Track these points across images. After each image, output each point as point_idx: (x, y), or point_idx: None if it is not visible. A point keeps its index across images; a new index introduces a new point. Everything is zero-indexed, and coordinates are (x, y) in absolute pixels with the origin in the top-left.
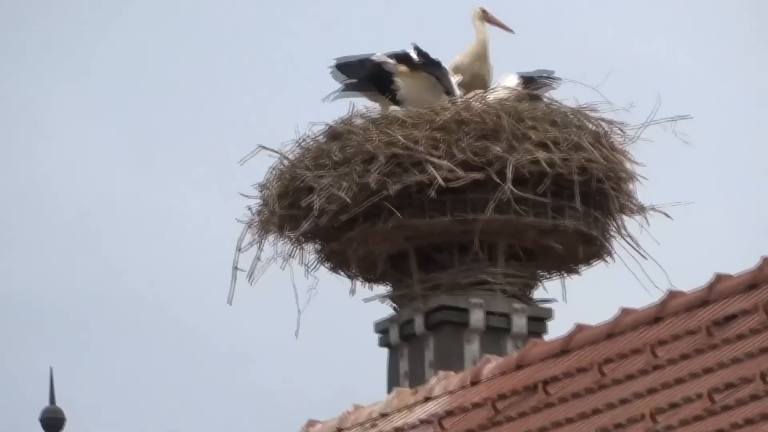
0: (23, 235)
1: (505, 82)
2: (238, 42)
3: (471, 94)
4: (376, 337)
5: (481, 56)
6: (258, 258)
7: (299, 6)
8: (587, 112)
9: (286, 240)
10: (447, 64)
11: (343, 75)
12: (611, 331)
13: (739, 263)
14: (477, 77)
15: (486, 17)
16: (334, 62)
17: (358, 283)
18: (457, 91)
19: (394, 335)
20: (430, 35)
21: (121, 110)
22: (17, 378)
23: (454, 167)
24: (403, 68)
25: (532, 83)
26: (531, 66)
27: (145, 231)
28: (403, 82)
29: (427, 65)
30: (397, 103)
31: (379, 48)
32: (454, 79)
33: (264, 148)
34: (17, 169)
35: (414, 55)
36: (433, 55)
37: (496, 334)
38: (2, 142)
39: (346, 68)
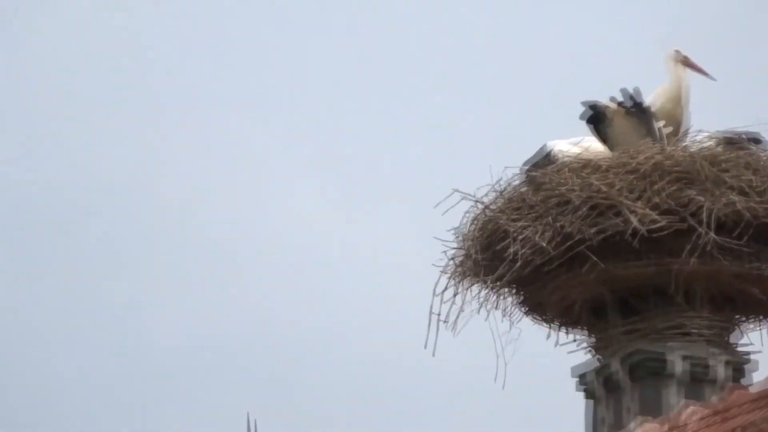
0: (223, 278)
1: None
2: (432, 87)
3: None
4: (573, 382)
5: (674, 98)
6: (454, 303)
7: (497, 49)
8: None
9: (483, 286)
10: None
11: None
12: None
13: None
14: (671, 119)
15: (680, 59)
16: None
17: (557, 328)
18: (658, 135)
19: (592, 381)
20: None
21: (328, 160)
22: (215, 424)
23: (652, 213)
24: (615, 108)
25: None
26: (734, 116)
27: (342, 276)
28: (615, 122)
29: (636, 109)
30: (607, 143)
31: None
32: (658, 124)
33: (459, 191)
34: (217, 211)
35: (628, 98)
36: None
37: (695, 381)
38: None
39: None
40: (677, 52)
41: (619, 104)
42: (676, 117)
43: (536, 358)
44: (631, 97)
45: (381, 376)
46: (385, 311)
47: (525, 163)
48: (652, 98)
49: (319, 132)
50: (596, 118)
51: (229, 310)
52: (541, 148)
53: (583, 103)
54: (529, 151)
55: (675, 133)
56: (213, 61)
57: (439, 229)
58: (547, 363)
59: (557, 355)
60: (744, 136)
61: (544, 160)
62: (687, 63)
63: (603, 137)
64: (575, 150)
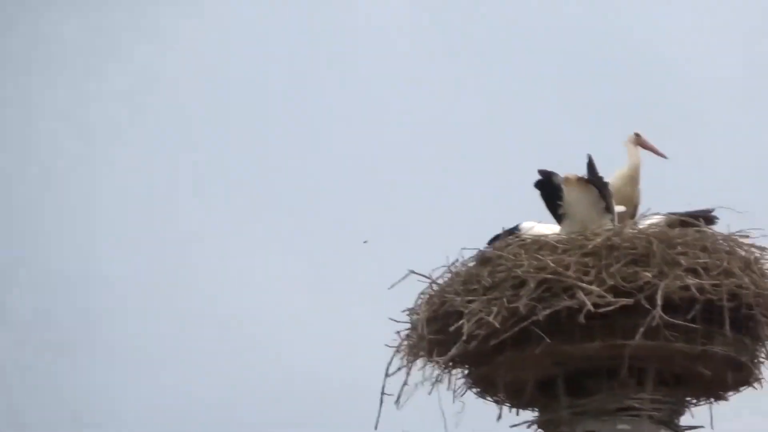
0: (198, 354)
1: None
2: (392, 172)
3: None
4: None
5: (633, 179)
6: (406, 382)
7: (457, 130)
8: (738, 237)
9: (434, 365)
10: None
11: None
12: None
13: None
14: (627, 200)
15: (639, 142)
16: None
17: (506, 408)
18: (615, 213)
19: None
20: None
21: (295, 242)
22: None
23: (603, 293)
24: (571, 177)
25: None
26: (687, 197)
27: (295, 352)
28: (569, 193)
29: (593, 178)
30: (559, 219)
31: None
32: (618, 208)
33: (414, 272)
34: (187, 289)
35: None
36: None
37: None
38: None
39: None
40: (637, 135)
41: (582, 179)
42: (632, 199)
43: None
44: (591, 167)
45: None
46: (342, 391)
47: (491, 240)
48: (610, 180)
49: (281, 213)
50: (546, 185)
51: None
52: (514, 228)
53: (539, 171)
54: (487, 234)
55: (631, 214)
56: (173, 131)
57: (395, 310)
58: None
59: None
60: (699, 216)
61: (506, 235)
62: (643, 144)
63: (554, 207)
64: (539, 229)
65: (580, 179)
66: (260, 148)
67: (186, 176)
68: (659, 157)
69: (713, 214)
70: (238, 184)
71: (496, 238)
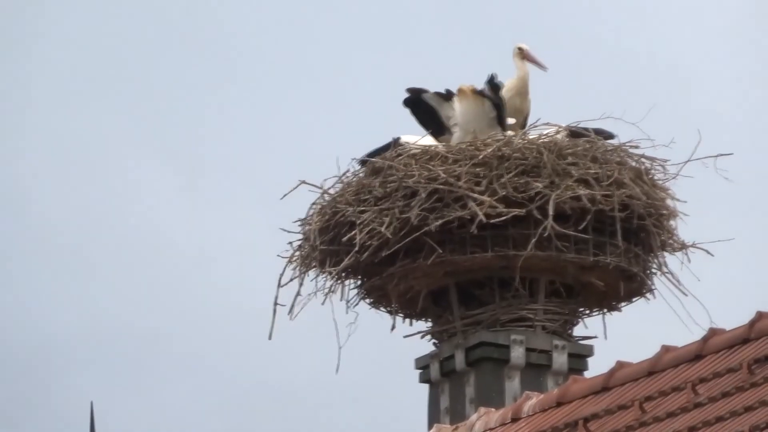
0: (67, 268)
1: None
2: (282, 77)
3: (512, 132)
4: (416, 373)
5: (521, 92)
6: (299, 293)
7: (345, 38)
8: (629, 148)
9: (326, 275)
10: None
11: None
12: (652, 369)
13: None
14: (517, 112)
15: (523, 55)
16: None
17: (399, 318)
18: (507, 126)
19: (434, 371)
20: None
21: (168, 142)
22: (59, 412)
23: (495, 203)
24: (465, 88)
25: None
26: (577, 107)
27: (186, 266)
28: (461, 104)
29: (491, 93)
30: (440, 135)
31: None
32: (509, 120)
33: (305, 183)
34: (68, 201)
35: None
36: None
37: (536, 371)
38: (59, 177)
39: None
40: (520, 48)
41: (478, 92)
42: (522, 110)
43: (381, 350)
44: (494, 88)
45: (226, 366)
46: (233, 303)
47: (370, 154)
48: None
49: (162, 118)
50: (415, 102)
51: (67, 301)
52: (392, 141)
53: (408, 90)
54: (380, 144)
55: (521, 125)
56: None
57: (286, 220)
58: (391, 354)
59: (401, 347)
60: (591, 130)
61: (390, 150)
62: (527, 56)
63: (426, 124)
64: (424, 142)
65: (474, 91)
66: (133, 45)
67: (54, 78)
68: (541, 70)
69: (609, 130)
70: (107, 86)
71: (376, 152)
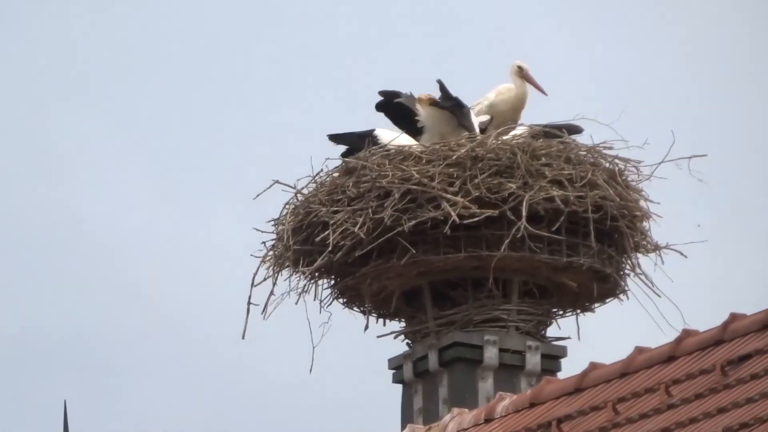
0: (39, 268)
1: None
2: (256, 75)
3: (485, 134)
4: (389, 373)
5: (516, 107)
6: (272, 293)
7: (320, 39)
8: (602, 149)
9: (300, 275)
10: (479, 98)
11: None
12: (625, 370)
13: (754, 302)
14: (507, 122)
15: (522, 74)
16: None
17: (372, 319)
18: (477, 129)
19: (407, 372)
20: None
21: (142, 140)
22: (31, 411)
23: (468, 204)
24: (423, 97)
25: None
26: (551, 108)
27: (158, 264)
28: (424, 111)
29: (446, 102)
30: (416, 134)
31: (407, 83)
32: (477, 119)
33: (279, 182)
34: (40, 200)
35: (438, 92)
36: (456, 92)
37: (509, 372)
38: (23, 174)
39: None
40: (519, 67)
41: (435, 103)
42: (513, 121)
43: (354, 349)
44: (447, 96)
45: (199, 366)
46: (206, 303)
47: (345, 136)
48: (495, 98)
49: (136, 116)
50: (386, 106)
51: (46, 300)
52: (368, 134)
53: (380, 93)
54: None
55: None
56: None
57: (259, 220)
58: (364, 354)
59: (374, 347)
60: (563, 128)
61: (366, 150)
62: (525, 77)
63: (401, 124)
64: (400, 141)
65: (431, 101)
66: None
67: (52, 75)
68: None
69: (577, 124)
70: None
71: (350, 151)
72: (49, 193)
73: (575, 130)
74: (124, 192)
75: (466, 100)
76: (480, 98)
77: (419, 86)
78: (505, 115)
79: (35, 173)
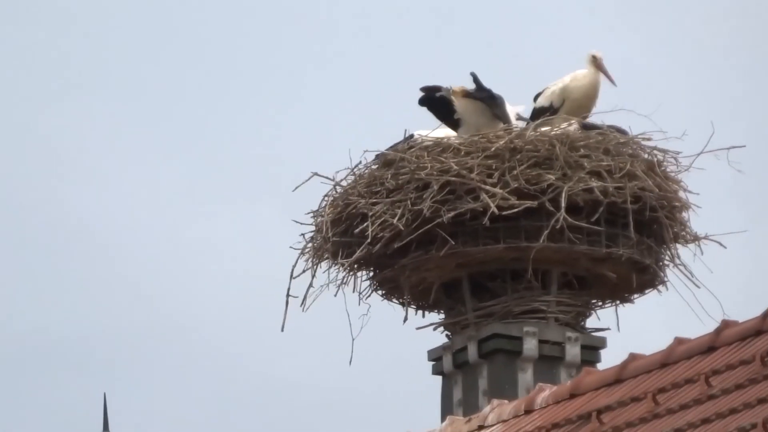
0: (77, 270)
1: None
2: (295, 69)
3: (523, 124)
4: (429, 365)
5: (589, 95)
6: (311, 285)
7: (356, 34)
8: (641, 140)
9: (339, 267)
10: (554, 81)
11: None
12: (665, 361)
13: None
14: (580, 109)
15: (596, 63)
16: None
17: (411, 310)
18: (513, 120)
19: (447, 363)
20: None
21: (180, 135)
22: (72, 405)
23: (507, 195)
24: (457, 89)
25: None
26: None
27: (200, 259)
28: (459, 103)
29: (479, 93)
30: (456, 126)
31: (439, 77)
32: (513, 108)
33: (317, 175)
34: (72, 205)
35: (471, 83)
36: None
37: (549, 363)
38: (41, 177)
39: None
40: (594, 57)
41: (468, 94)
42: (586, 109)
43: (393, 341)
44: (480, 87)
45: (239, 358)
46: (245, 295)
47: (389, 149)
48: (571, 82)
49: (174, 111)
50: (431, 101)
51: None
52: (407, 137)
53: (422, 89)
54: (392, 137)
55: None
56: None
57: (298, 212)
58: (404, 346)
59: (413, 339)
60: (605, 126)
61: (403, 143)
62: (599, 66)
63: (445, 118)
64: (436, 135)
65: (464, 93)
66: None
67: (51, 75)
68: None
69: (620, 128)
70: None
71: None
72: (53, 193)
73: (618, 130)
74: (125, 192)
75: (501, 93)
76: (557, 80)
77: (458, 79)
78: (579, 101)
79: (36, 173)
